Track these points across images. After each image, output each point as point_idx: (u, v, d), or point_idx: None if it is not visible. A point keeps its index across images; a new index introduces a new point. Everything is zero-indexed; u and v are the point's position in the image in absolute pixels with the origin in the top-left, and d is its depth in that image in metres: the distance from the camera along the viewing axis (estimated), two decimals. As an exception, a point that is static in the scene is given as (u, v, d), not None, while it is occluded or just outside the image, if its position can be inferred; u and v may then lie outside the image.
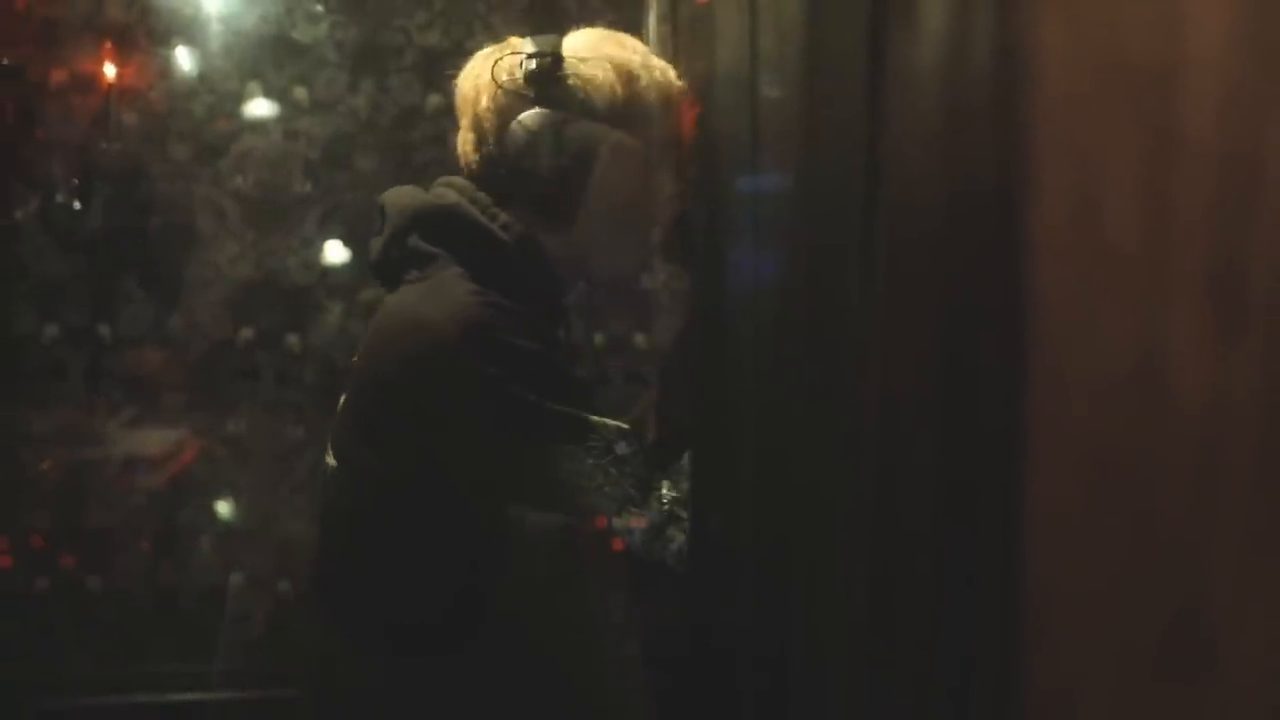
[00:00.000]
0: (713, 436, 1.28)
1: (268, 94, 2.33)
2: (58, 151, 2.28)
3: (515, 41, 1.41)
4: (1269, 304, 0.66)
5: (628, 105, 1.37)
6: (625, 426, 1.32)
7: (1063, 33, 0.78)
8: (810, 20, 1.03)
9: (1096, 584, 0.76)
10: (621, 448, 1.29)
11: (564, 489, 1.29)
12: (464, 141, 1.42)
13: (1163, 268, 0.72)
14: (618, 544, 1.33)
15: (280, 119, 2.34)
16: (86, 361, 2.30)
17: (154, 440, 2.34)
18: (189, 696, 2.19)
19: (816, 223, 1.03)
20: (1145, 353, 0.73)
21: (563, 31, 1.42)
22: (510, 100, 1.36)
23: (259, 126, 2.34)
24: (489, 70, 1.38)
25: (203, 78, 2.31)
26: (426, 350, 1.28)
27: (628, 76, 1.38)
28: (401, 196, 1.42)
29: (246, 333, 2.34)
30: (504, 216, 1.36)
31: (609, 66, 1.37)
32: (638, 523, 1.30)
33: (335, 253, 2.37)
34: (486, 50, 1.43)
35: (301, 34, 2.33)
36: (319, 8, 2.33)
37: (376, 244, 1.42)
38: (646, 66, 1.40)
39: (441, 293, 1.32)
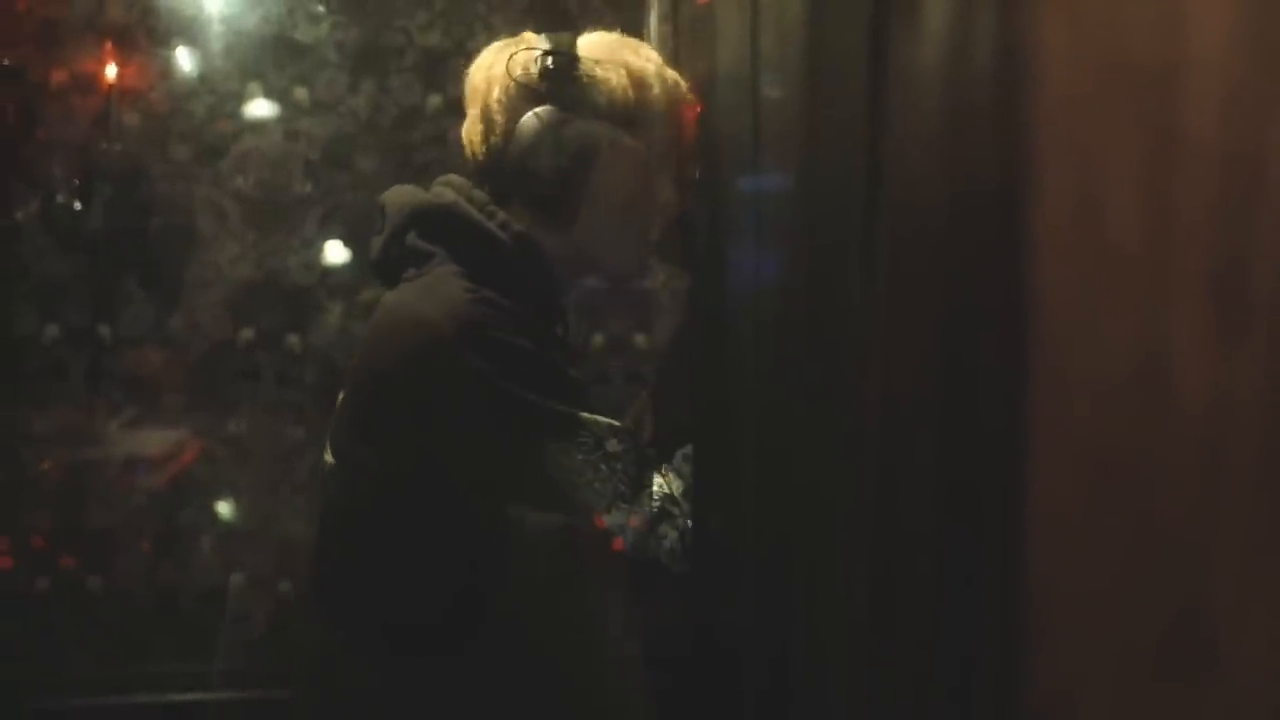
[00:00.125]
0: (714, 436, 1.28)
1: (268, 94, 2.34)
2: (58, 152, 2.28)
3: (530, 36, 1.41)
4: (1271, 304, 0.66)
5: (638, 111, 1.38)
6: (617, 424, 1.32)
7: (1064, 33, 0.78)
8: (811, 20, 1.03)
9: (1098, 584, 0.76)
10: (612, 445, 1.29)
11: (558, 487, 1.30)
12: (471, 132, 1.42)
13: (1165, 268, 0.72)
14: (618, 544, 1.34)
15: (281, 119, 2.34)
16: (87, 362, 2.30)
17: (154, 441, 2.34)
18: (189, 696, 2.19)
19: (818, 222, 1.03)
20: (1147, 353, 0.73)
21: (569, 31, 1.42)
22: (523, 94, 1.36)
23: (260, 127, 2.34)
24: (502, 63, 1.38)
25: (203, 78, 2.31)
26: (419, 346, 1.29)
27: (640, 83, 1.39)
28: (401, 195, 1.43)
29: (247, 333, 2.34)
30: (502, 215, 1.37)
31: (623, 71, 1.38)
32: (635, 523, 1.30)
33: (336, 253, 2.37)
34: (499, 43, 1.43)
35: (302, 34, 2.33)
36: (320, 8, 2.34)
37: (377, 243, 1.43)
38: (660, 76, 1.41)
39: (435, 290, 1.32)
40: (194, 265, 2.34)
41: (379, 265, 1.43)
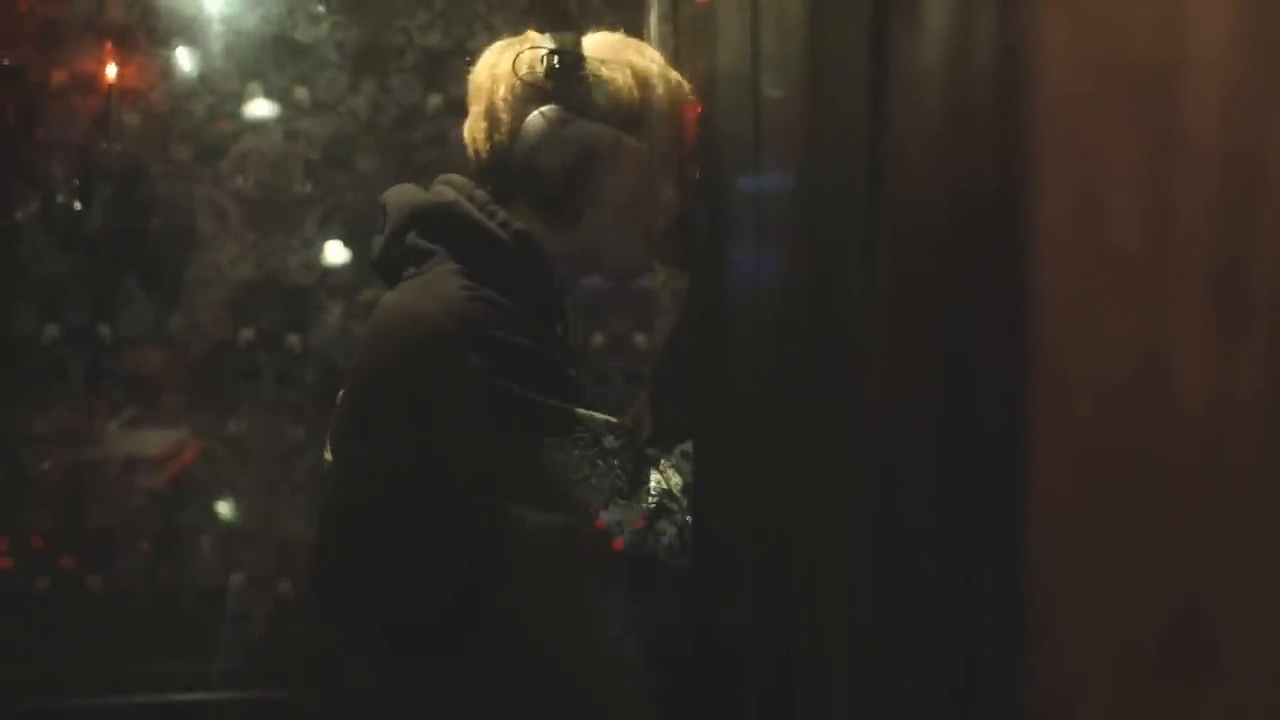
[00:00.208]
0: (714, 436, 1.28)
1: (268, 94, 2.34)
2: (59, 152, 2.28)
3: (534, 35, 1.41)
4: (1271, 304, 0.66)
5: (642, 111, 1.38)
6: (614, 420, 1.32)
7: (1065, 32, 0.78)
8: (812, 19, 1.03)
9: (1098, 584, 0.76)
10: (609, 441, 1.29)
11: (555, 484, 1.29)
12: (474, 130, 1.42)
13: (1165, 268, 0.72)
14: (618, 543, 1.33)
15: (281, 119, 2.34)
16: (87, 362, 2.31)
17: (154, 441, 2.34)
18: (189, 696, 2.19)
19: (818, 222, 1.03)
20: (1147, 353, 0.73)
21: (571, 31, 1.43)
22: (529, 93, 1.36)
23: (260, 127, 2.34)
24: (507, 61, 1.38)
25: (203, 78, 2.31)
26: (417, 343, 1.29)
27: (645, 84, 1.39)
28: (401, 195, 1.43)
29: (247, 333, 2.35)
30: (502, 214, 1.37)
31: (629, 72, 1.38)
32: (639, 524, 1.30)
33: (336, 253, 2.37)
34: (504, 41, 1.43)
35: (302, 34, 2.34)
36: (320, 8, 2.34)
37: (378, 242, 1.43)
38: (663, 77, 1.41)
39: (434, 288, 1.33)
40: (194, 265, 2.34)
41: (380, 264, 1.43)
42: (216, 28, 2.30)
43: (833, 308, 1.00)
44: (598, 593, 1.42)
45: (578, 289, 1.51)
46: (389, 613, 1.35)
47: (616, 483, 1.29)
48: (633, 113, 1.38)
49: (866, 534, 0.93)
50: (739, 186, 1.24)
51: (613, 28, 1.46)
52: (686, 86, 1.43)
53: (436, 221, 1.38)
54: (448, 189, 1.40)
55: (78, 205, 2.27)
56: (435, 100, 2.38)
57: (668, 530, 1.30)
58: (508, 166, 1.37)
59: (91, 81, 2.27)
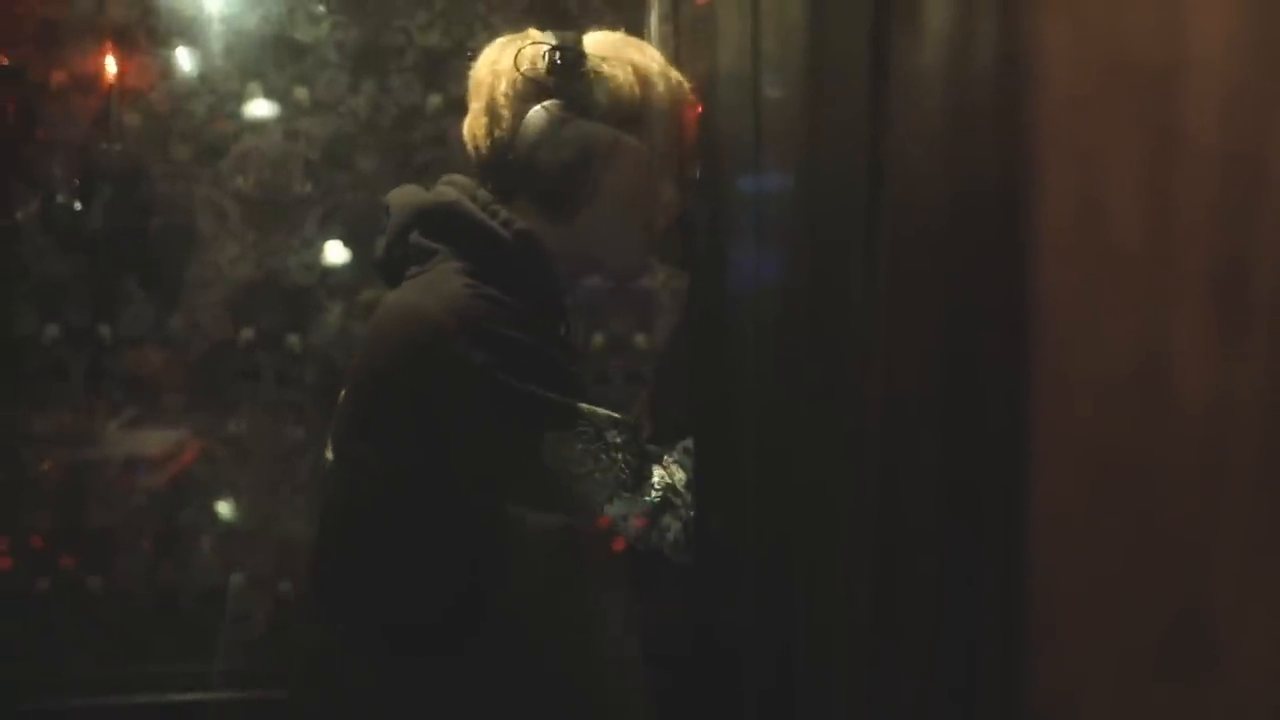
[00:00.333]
0: (715, 436, 1.28)
1: (268, 94, 2.34)
2: (59, 152, 2.28)
3: (534, 33, 1.41)
4: (1272, 304, 0.66)
5: (642, 108, 1.38)
6: (616, 416, 1.32)
7: (1066, 34, 0.78)
8: (812, 20, 1.03)
9: (1099, 584, 0.77)
10: (612, 436, 1.29)
11: (558, 481, 1.29)
12: (475, 127, 1.42)
13: (1166, 268, 0.72)
14: (618, 543, 1.33)
15: (281, 119, 2.34)
16: (87, 362, 2.30)
17: (154, 441, 2.34)
18: (189, 696, 2.19)
19: (819, 222, 1.03)
20: (1148, 353, 0.73)
21: (571, 31, 1.43)
22: (530, 89, 1.36)
23: (260, 127, 2.34)
24: (508, 57, 1.38)
25: (203, 78, 2.31)
26: (419, 340, 1.29)
27: (646, 81, 1.39)
28: (405, 195, 1.43)
29: (247, 333, 2.35)
30: (504, 213, 1.37)
31: (630, 69, 1.38)
32: (640, 523, 1.30)
33: (336, 253, 2.37)
34: (505, 38, 1.43)
35: (302, 34, 2.33)
36: (320, 8, 2.34)
37: (380, 243, 1.43)
38: (664, 75, 1.41)
39: (436, 286, 1.33)
40: (194, 265, 2.34)
41: (383, 265, 1.43)
42: (216, 28, 2.30)
43: (833, 308, 1.00)
44: (598, 593, 1.42)
45: (578, 289, 1.51)
46: (389, 612, 1.35)
47: (620, 477, 1.29)
48: (633, 110, 1.38)
49: (867, 534, 0.93)
50: (739, 186, 1.24)
51: (613, 27, 1.47)
52: (687, 85, 1.44)
53: (439, 221, 1.38)
54: (450, 189, 1.40)
55: (78, 205, 2.27)
56: (435, 100, 2.38)
57: (672, 525, 1.30)
58: (508, 163, 1.37)
59: (91, 81, 2.27)
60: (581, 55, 1.37)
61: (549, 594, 1.37)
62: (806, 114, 1.04)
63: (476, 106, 1.42)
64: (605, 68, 1.37)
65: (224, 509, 2.36)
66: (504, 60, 1.39)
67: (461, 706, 1.33)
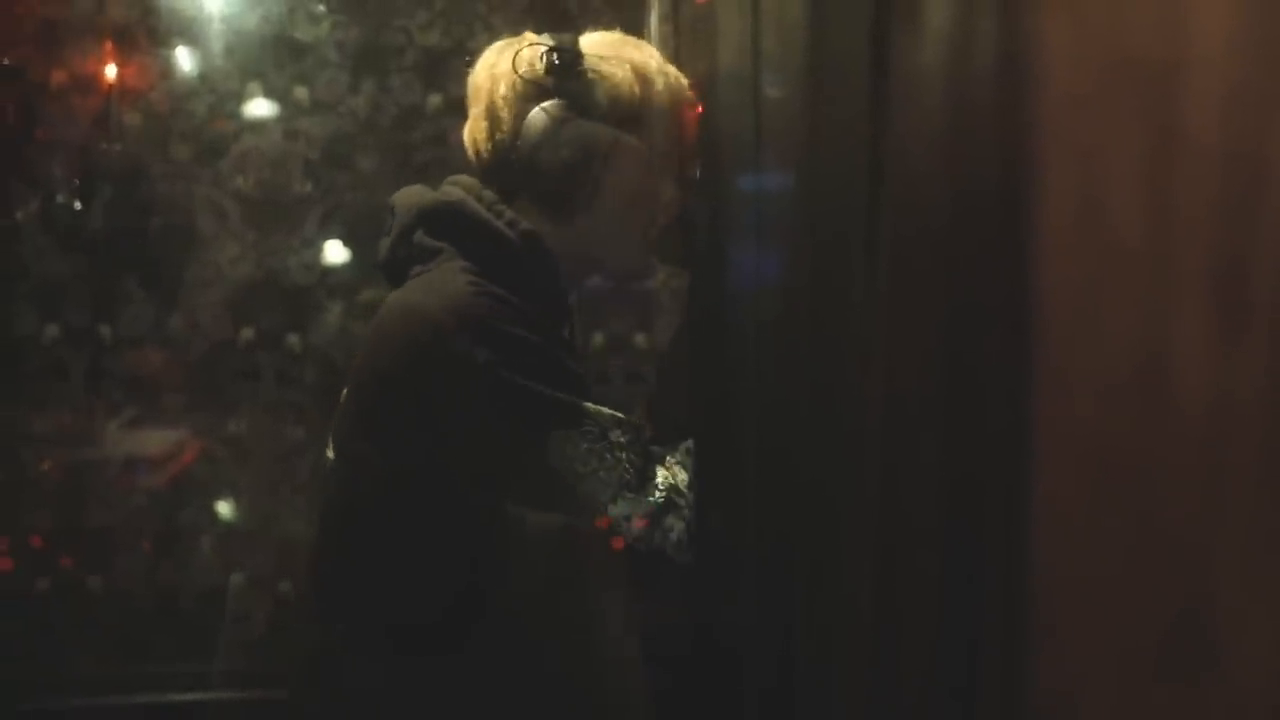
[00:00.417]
0: (715, 435, 1.28)
1: (268, 94, 2.34)
2: (59, 152, 2.28)
3: (531, 36, 1.41)
4: (1272, 302, 0.66)
5: (642, 106, 1.38)
6: (620, 415, 1.32)
7: (1067, 32, 0.78)
8: (812, 19, 1.03)
9: (1100, 583, 0.77)
10: (616, 435, 1.29)
11: (562, 479, 1.29)
12: (475, 130, 1.42)
13: (1166, 266, 0.72)
14: (618, 543, 1.33)
15: (281, 119, 2.34)
16: (87, 362, 2.30)
17: (154, 441, 2.34)
18: (189, 696, 2.19)
19: (819, 221, 1.03)
20: (1149, 351, 0.73)
21: (569, 31, 1.43)
22: (529, 90, 1.36)
23: (260, 127, 2.34)
24: (506, 60, 1.38)
25: (203, 78, 2.31)
26: (422, 337, 1.29)
27: (644, 79, 1.39)
28: (409, 195, 1.43)
29: (247, 333, 2.34)
30: (509, 213, 1.37)
31: (628, 67, 1.38)
32: (641, 523, 1.30)
33: (336, 253, 2.37)
34: (502, 42, 1.44)
35: (302, 34, 2.33)
36: (320, 8, 2.33)
37: (384, 244, 1.43)
38: (662, 72, 1.41)
39: (440, 284, 1.33)
40: (194, 265, 2.34)
41: (387, 265, 1.43)
42: (216, 28, 2.30)
43: (834, 306, 1.00)
44: (598, 593, 1.42)
45: (579, 289, 1.51)
46: (389, 612, 1.35)
47: (625, 477, 1.29)
48: (633, 109, 1.38)
49: (868, 533, 0.93)
50: (739, 185, 1.24)
51: (612, 27, 1.47)
52: (685, 82, 1.43)
53: (444, 220, 1.38)
54: (455, 188, 1.40)
55: (78, 205, 2.27)
56: (435, 100, 2.37)
57: (675, 526, 1.30)
58: (510, 165, 1.37)
59: (91, 81, 2.27)
60: (579, 55, 1.37)
61: (549, 594, 1.37)
62: (807, 113, 1.04)
63: (476, 111, 1.42)
64: (604, 67, 1.37)
65: (224, 509, 2.35)
66: (502, 64, 1.39)
67: (461, 706, 1.33)
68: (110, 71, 2.26)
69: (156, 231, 2.34)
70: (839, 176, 0.98)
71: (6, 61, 2.23)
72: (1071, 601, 0.78)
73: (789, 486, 1.08)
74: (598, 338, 2.41)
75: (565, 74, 1.36)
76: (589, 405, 1.30)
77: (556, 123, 1.35)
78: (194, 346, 2.33)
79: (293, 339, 2.35)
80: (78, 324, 2.30)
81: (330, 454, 1.40)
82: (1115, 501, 0.75)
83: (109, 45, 2.26)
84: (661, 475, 1.32)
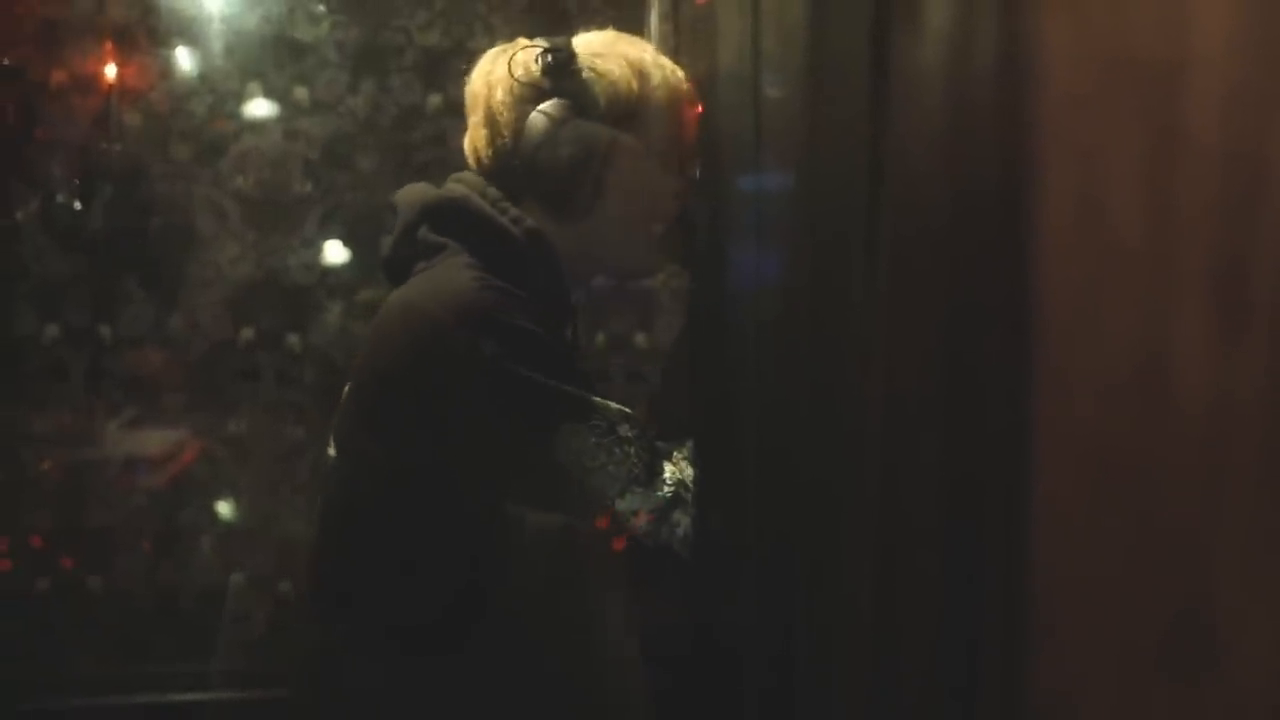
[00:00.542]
0: (715, 435, 1.28)
1: (268, 94, 2.34)
2: (59, 152, 2.28)
3: (524, 40, 1.41)
4: (1273, 302, 0.66)
5: (641, 102, 1.38)
6: (628, 410, 1.32)
7: (1067, 31, 0.78)
8: (812, 19, 1.03)
9: (1100, 583, 0.76)
10: (624, 429, 1.29)
11: (566, 477, 1.29)
12: (475, 138, 1.42)
13: (1167, 266, 0.72)
14: (619, 543, 1.33)
15: (281, 119, 2.34)
16: (87, 362, 2.31)
17: (154, 441, 2.34)
18: (189, 697, 2.19)
19: (819, 221, 1.03)
20: (1149, 351, 0.73)
21: (568, 31, 1.43)
22: (527, 93, 1.36)
23: (259, 127, 2.34)
24: (502, 66, 1.38)
25: (203, 78, 2.31)
26: (427, 332, 1.29)
27: (641, 73, 1.39)
28: (412, 193, 1.43)
29: (247, 333, 2.35)
30: (514, 211, 1.37)
31: (624, 63, 1.38)
32: (648, 518, 1.30)
33: (336, 253, 2.38)
34: (496, 49, 1.44)
35: (302, 34, 2.34)
36: (320, 8, 2.34)
37: (387, 242, 1.43)
38: (658, 65, 1.41)
39: (445, 278, 1.32)
40: (194, 265, 2.34)
41: (389, 264, 1.43)
42: (216, 28, 2.31)
43: (834, 307, 1.00)
44: (598, 593, 1.42)
45: (581, 288, 1.51)
46: (389, 612, 1.35)
47: (633, 470, 1.29)
48: (632, 104, 1.38)
49: (868, 533, 0.93)
50: (739, 185, 1.24)
51: (601, 27, 1.47)
52: (682, 74, 1.43)
53: (448, 216, 1.38)
54: (459, 186, 1.40)
55: (78, 205, 2.27)
56: (435, 100, 2.38)
57: (682, 521, 1.30)
58: (513, 169, 1.37)
59: (91, 81, 2.27)
60: (574, 55, 1.37)
61: (549, 594, 1.37)
62: (807, 113, 1.04)
63: (475, 120, 1.42)
64: (600, 64, 1.37)
65: (224, 509, 2.36)
66: (497, 70, 1.39)
67: (461, 706, 1.33)
68: (110, 71, 2.26)
69: (156, 231, 2.34)
70: (839, 176, 0.98)
71: (6, 61, 2.23)
72: (1071, 601, 0.78)
73: (789, 486, 1.08)
74: (599, 337, 2.41)
75: (562, 74, 1.36)
76: (596, 399, 1.30)
77: (556, 123, 1.35)
78: (194, 346, 2.34)
79: (293, 339, 2.35)
80: (78, 324, 2.30)
81: (332, 452, 1.40)
82: (1115, 501, 0.75)
83: (109, 45, 2.27)
84: (669, 470, 1.32)
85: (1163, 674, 0.73)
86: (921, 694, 0.89)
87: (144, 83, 2.30)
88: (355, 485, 1.36)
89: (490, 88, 1.39)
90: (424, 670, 1.33)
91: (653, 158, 1.39)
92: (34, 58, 2.27)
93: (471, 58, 1.47)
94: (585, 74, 1.36)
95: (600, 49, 1.40)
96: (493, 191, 1.39)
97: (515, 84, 1.37)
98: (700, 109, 1.41)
